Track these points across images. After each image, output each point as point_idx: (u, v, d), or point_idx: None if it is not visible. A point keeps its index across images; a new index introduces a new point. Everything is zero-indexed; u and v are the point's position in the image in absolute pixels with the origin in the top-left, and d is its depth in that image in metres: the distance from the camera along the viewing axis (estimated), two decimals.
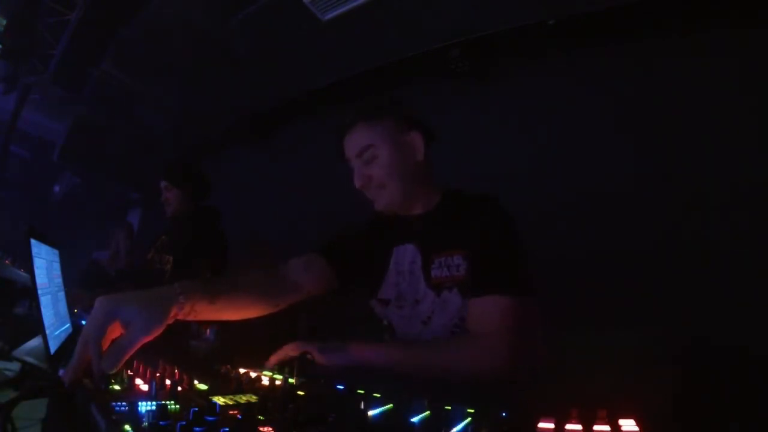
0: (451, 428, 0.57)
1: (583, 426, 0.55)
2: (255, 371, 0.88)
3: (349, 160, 1.12)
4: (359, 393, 0.73)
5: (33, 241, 1.05)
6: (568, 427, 0.55)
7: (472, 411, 0.60)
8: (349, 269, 1.15)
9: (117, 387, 0.69)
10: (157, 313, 0.70)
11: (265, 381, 0.81)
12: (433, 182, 1.15)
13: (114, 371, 0.62)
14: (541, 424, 0.55)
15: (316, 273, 1.11)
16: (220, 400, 0.62)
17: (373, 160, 1.07)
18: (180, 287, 0.76)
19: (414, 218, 1.14)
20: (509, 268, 0.99)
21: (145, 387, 0.68)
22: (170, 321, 0.73)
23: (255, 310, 0.98)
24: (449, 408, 0.61)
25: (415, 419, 0.58)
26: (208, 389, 0.71)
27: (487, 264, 0.99)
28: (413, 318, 1.08)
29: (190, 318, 0.79)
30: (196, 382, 0.73)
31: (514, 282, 0.96)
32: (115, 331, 0.66)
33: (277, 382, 0.81)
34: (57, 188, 5.37)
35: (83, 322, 0.68)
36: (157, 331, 0.69)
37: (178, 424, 0.47)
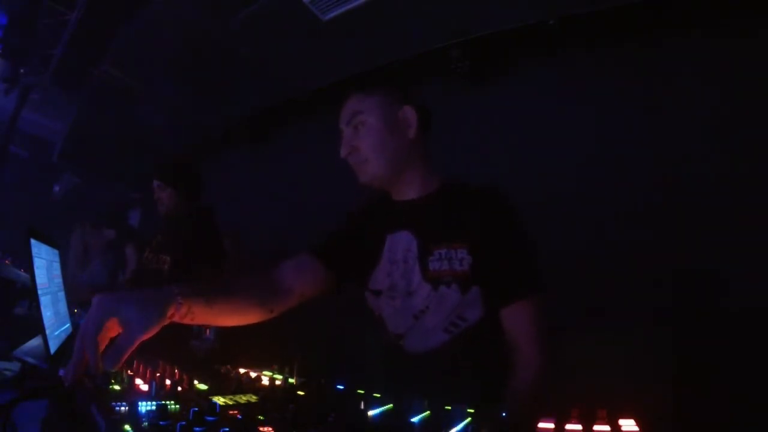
0: (451, 428, 0.57)
1: (583, 426, 0.56)
2: (255, 371, 0.88)
3: (341, 132, 1.09)
4: (359, 393, 0.73)
5: (33, 241, 1.05)
6: (568, 427, 0.56)
7: (472, 411, 0.60)
8: (342, 264, 1.09)
9: (117, 387, 0.69)
10: (155, 313, 0.69)
11: (265, 381, 0.81)
12: (429, 169, 1.11)
13: (114, 369, 0.62)
14: (541, 424, 0.55)
15: (308, 274, 1.06)
16: (220, 400, 0.62)
17: (361, 128, 1.05)
18: (177, 288, 0.75)
19: (409, 203, 1.09)
20: (528, 265, 0.98)
21: (145, 387, 0.68)
22: (167, 321, 0.72)
23: (250, 315, 0.94)
24: (449, 408, 0.61)
25: (415, 419, 0.58)
26: (208, 389, 0.71)
27: (504, 263, 0.96)
28: (405, 311, 1.03)
29: (187, 321, 0.77)
30: (196, 382, 0.73)
31: (538, 279, 0.96)
32: (113, 329, 0.66)
33: (277, 382, 0.81)
34: (57, 188, 5.37)
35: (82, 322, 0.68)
36: (154, 330, 0.68)
37: (178, 424, 0.47)
